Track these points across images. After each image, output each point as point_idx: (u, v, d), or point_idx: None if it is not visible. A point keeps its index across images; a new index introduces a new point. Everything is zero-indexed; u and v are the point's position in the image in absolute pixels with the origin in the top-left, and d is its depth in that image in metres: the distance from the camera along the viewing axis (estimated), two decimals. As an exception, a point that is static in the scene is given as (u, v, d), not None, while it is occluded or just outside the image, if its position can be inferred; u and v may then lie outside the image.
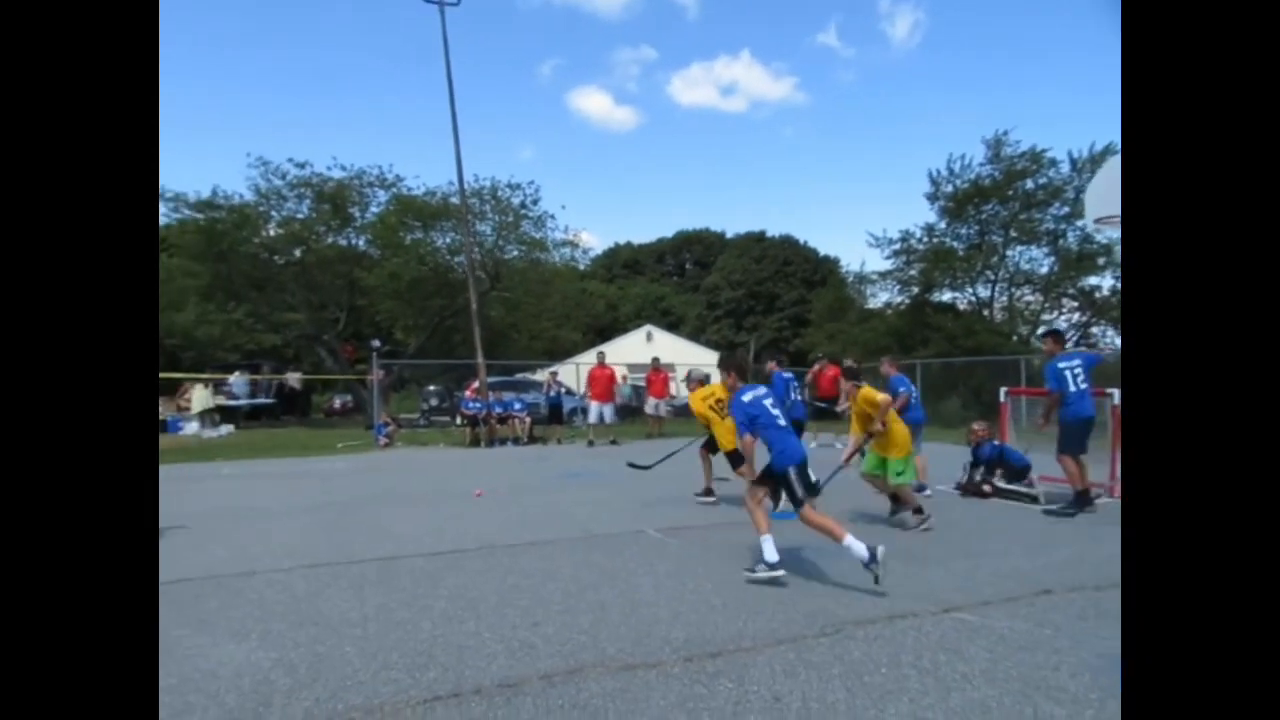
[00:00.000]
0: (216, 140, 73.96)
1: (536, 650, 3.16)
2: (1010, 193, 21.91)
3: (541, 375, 20.60)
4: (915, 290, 24.10)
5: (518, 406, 15.01)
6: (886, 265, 24.48)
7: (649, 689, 2.75)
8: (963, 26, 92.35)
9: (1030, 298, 23.63)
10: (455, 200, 19.10)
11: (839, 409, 9.47)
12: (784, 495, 4.50)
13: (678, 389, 15.90)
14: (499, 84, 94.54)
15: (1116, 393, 6.94)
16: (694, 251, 59.80)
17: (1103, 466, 7.18)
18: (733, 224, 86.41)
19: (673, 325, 44.07)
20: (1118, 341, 19.07)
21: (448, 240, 22.86)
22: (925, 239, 23.41)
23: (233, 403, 18.93)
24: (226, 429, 16.86)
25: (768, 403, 4.42)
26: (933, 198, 23.34)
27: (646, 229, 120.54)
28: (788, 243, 50.38)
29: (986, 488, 7.44)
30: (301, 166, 20.66)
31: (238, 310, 23.32)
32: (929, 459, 7.83)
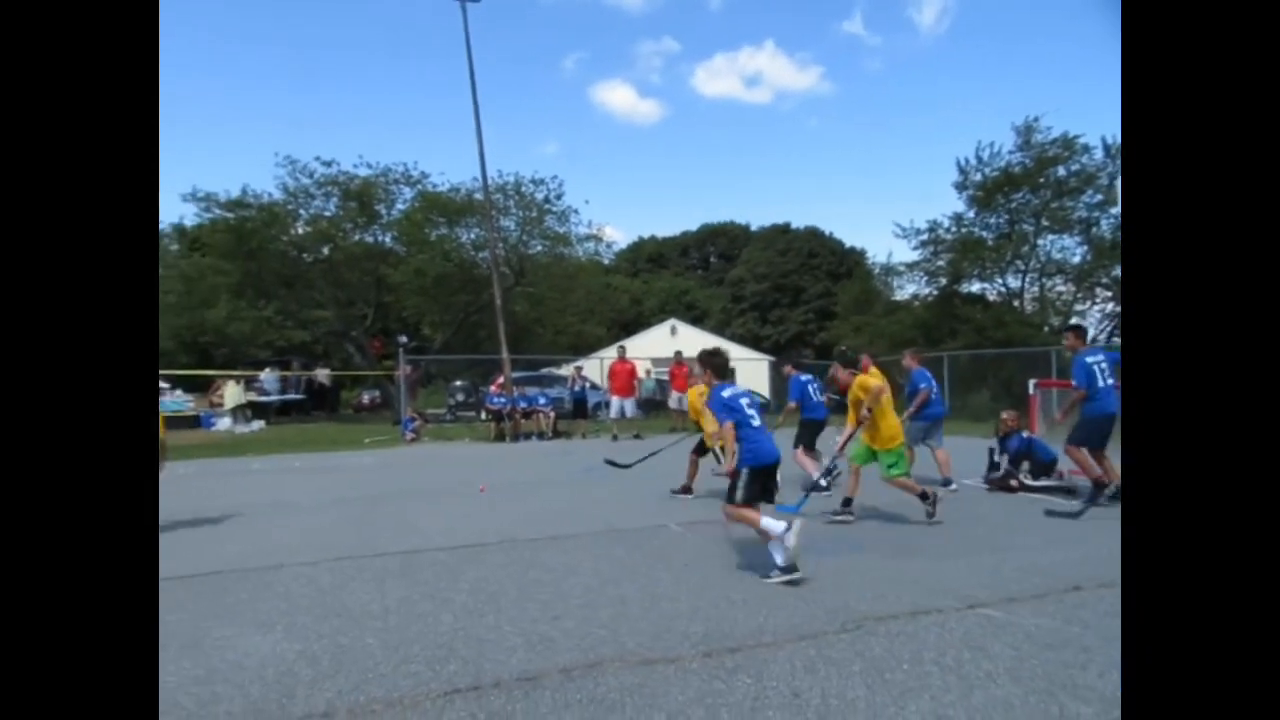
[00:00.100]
0: (245, 140, 75.42)
1: (556, 644, 3.17)
2: (1041, 180, 21.40)
3: (566, 370, 20.67)
4: (943, 281, 23.68)
5: (542, 401, 15.10)
6: (914, 256, 24.19)
7: (667, 684, 2.74)
8: (992, 12, 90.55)
9: (1062, 288, 23.13)
10: (479, 196, 19.23)
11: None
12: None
13: (701, 383, 15.83)
14: (522, 79, 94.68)
15: None
16: (718, 245, 59.55)
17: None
18: (757, 216, 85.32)
19: (697, 319, 43.87)
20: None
21: (472, 236, 23.07)
22: (954, 229, 22.99)
23: (264, 398, 19.28)
24: (258, 424, 17.19)
25: (744, 401, 4.53)
26: (961, 186, 22.90)
27: (670, 222, 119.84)
28: (813, 235, 49.97)
29: (1013, 482, 7.32)
30: (328, 165, 20.99)
31: (268, 307, 23.72)
32: (952, 453, 7.72)
